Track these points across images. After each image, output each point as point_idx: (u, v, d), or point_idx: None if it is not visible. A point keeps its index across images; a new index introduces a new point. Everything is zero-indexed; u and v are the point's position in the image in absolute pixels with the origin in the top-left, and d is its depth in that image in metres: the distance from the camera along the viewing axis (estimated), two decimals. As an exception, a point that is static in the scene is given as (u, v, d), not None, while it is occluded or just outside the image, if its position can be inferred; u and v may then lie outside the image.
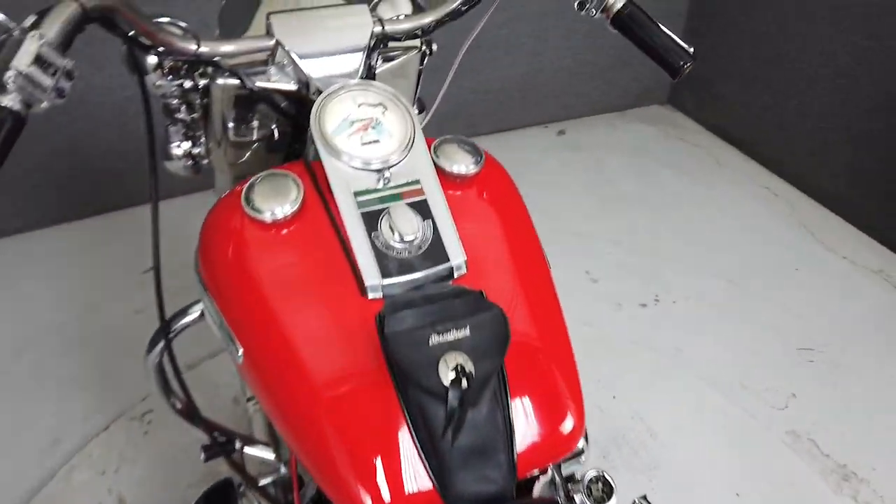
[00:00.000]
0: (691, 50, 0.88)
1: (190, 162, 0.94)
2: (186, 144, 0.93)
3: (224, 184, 1.02)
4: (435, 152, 0.85)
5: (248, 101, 0.89)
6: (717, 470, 1.70)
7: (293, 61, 0.83)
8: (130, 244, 2.26)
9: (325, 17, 0.87)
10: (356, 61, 0.87)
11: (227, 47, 0.81)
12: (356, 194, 0.75)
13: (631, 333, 2.04)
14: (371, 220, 0.73)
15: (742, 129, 2.95)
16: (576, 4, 0.91)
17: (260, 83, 0.85)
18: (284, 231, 0.74)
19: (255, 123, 0.94)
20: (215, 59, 0.81)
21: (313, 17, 0.87)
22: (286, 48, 0.83)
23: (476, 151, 0.89)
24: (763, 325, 2.11)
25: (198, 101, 0.89)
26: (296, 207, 0.72)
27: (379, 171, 0.78)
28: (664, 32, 0.89)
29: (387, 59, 0.96)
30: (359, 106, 0.83)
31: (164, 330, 0.85)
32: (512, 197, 0.96)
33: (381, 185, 0.79)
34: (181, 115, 0.89)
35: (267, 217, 0.72)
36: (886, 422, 1.84)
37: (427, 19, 0.93)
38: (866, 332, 2.11)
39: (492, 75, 2.86)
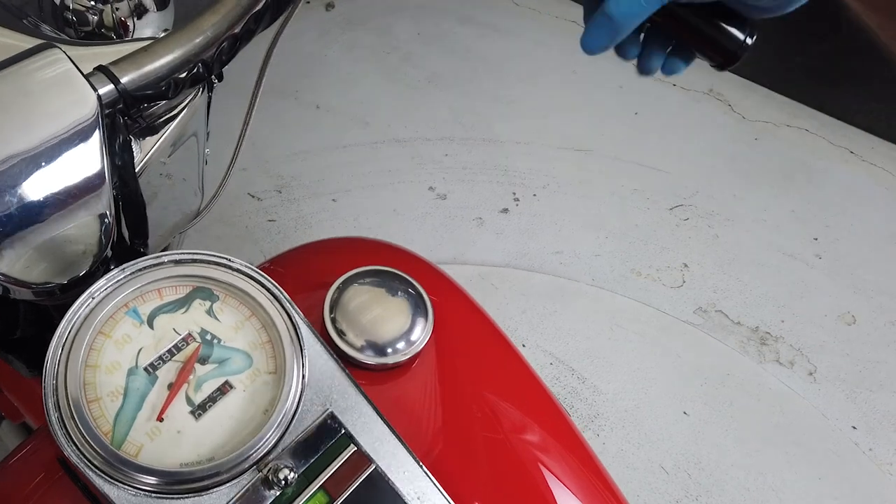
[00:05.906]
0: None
1: None
2: None
3: None
4: (336, 327, 0.44)
5: None
6: (656, 388, 1.54)
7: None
8: None
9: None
10: (88, 183, 0.39)
11: None
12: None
13: (505, 254, 1.76)
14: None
15: (527, -44, 2.57)
16: None
17: None
18: None
19: None
20: None
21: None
22: None
23: (409, 288, 0.48)
24: (628, 192, 1.92)
25: None
26: None
27: (257, 465, 0.37)
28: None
29: (151, 131, 0.46)
30: (149, 321, 0.37)
31: None
32: (480, 336, 0.64)
33: (273, 495, 0.38)
34: None
35: None
36: (770, 261, 1.78)
37: (198, 39, 0.44)
38: (720, 164, 2.00)
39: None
